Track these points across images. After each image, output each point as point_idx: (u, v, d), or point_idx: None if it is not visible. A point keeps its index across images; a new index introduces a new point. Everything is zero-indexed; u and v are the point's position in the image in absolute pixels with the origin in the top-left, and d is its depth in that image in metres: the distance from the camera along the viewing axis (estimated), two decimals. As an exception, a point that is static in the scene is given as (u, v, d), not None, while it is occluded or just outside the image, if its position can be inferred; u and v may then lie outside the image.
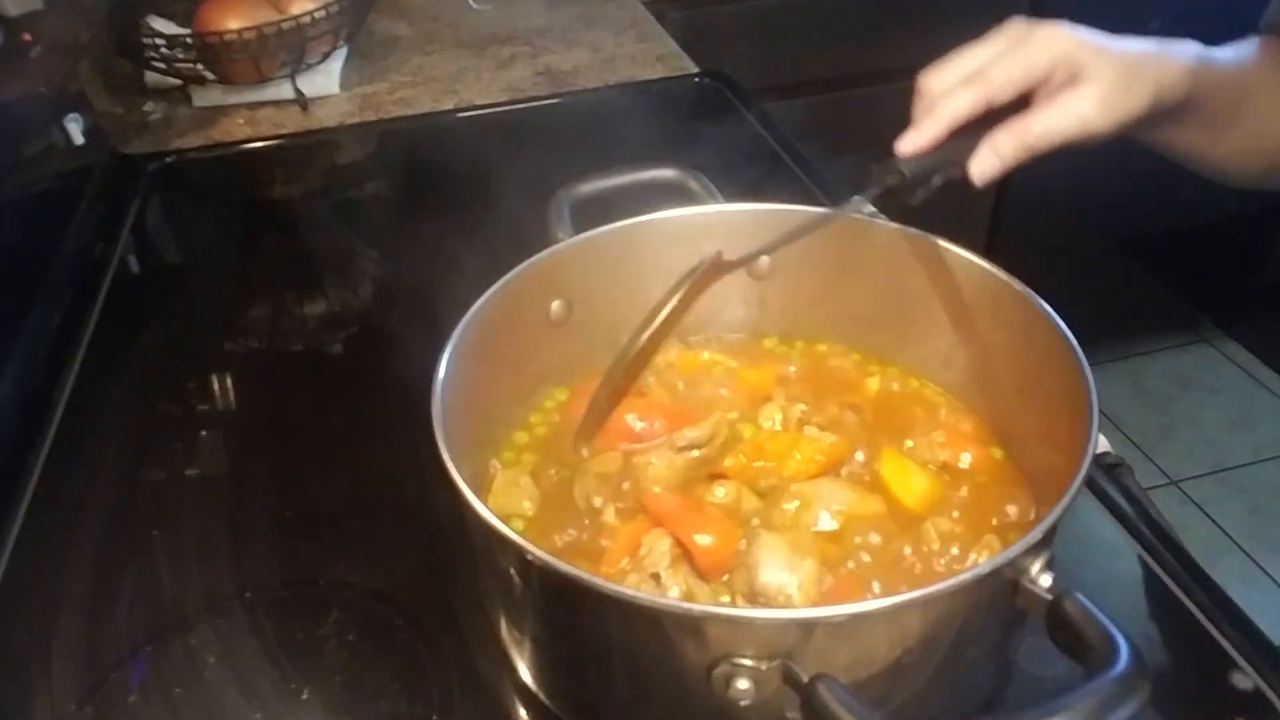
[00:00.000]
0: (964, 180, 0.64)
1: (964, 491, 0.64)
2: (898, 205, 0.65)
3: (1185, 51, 0.67)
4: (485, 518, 0.50)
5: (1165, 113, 0.66)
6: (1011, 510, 0.62)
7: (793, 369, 0.73)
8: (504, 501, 0.63)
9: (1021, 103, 0.63)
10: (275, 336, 0.96)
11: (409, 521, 0.72)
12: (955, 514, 0.62)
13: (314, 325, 0.97)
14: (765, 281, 0.74)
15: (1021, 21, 0.65)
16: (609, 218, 0.71)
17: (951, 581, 0.46)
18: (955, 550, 0.59)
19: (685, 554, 0.58)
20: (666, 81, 1.33)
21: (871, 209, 0.71)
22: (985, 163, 0.63)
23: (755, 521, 0.61)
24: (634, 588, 0.56)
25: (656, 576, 0.57)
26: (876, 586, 0.57)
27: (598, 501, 0.63)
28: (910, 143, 0.63)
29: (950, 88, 0.63)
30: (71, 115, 1.06)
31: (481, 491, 0.63)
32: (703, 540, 0.58)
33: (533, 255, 0.67)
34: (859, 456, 0.65)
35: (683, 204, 0.74)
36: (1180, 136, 0.72)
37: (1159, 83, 0.65)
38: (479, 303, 0.63)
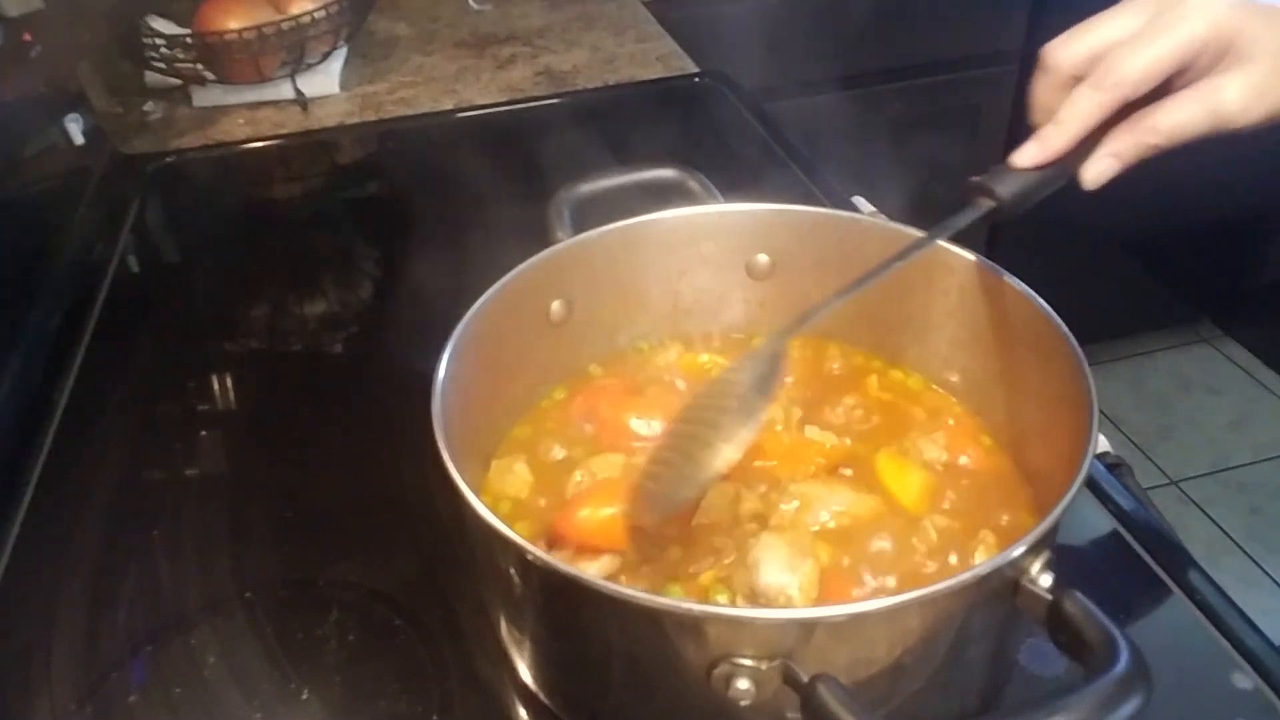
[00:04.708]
0: (1072, 183, 0.58)
1: (964, 491, 0.64)
2: (989, 227, 0.58)
3: None
4: (485, 518, 0.50)
5: None
6: (1010, 510, 0.62)
7: (793, 369, 0.73)
8: (498, 487, 0.64)
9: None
10: (275, 336, 0.96)
11: (409, 521, 0.72)
12: (955, 514, 0.62)
13: (314, 325, 0.97)
14: (765, 282, 0.74)
15: None
16: (609, 218, 0.71)
17: (951, 581, 0.46)
18: (954, 550, 0.60)
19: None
20: (666, 81, 1.33)
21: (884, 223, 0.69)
22: (1102, 167, 0.56)
23: (753, 525, 0.61)
24: (631, 587, 0.56)
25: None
26: (876, 586, 0.57)
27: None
28: (1030, 155, 0.56)
29: (1077, 72, 0.55)
30: (71, 115, 1.06)
31: (481, 489, 0.63)
32: None
33: (533, 255, 0.67)
34: (859, 457, 0.65)
35: (683, 204, 0.74)
36: None
37: None
38: (479, 303, 0.63)
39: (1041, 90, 0.58)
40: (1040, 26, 1.70)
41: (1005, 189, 0.57)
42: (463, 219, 1.04)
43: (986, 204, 0.58)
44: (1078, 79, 0.57)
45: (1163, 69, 0.54)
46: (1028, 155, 0.57)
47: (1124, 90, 0.55)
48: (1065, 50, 0.57)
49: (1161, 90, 0.56)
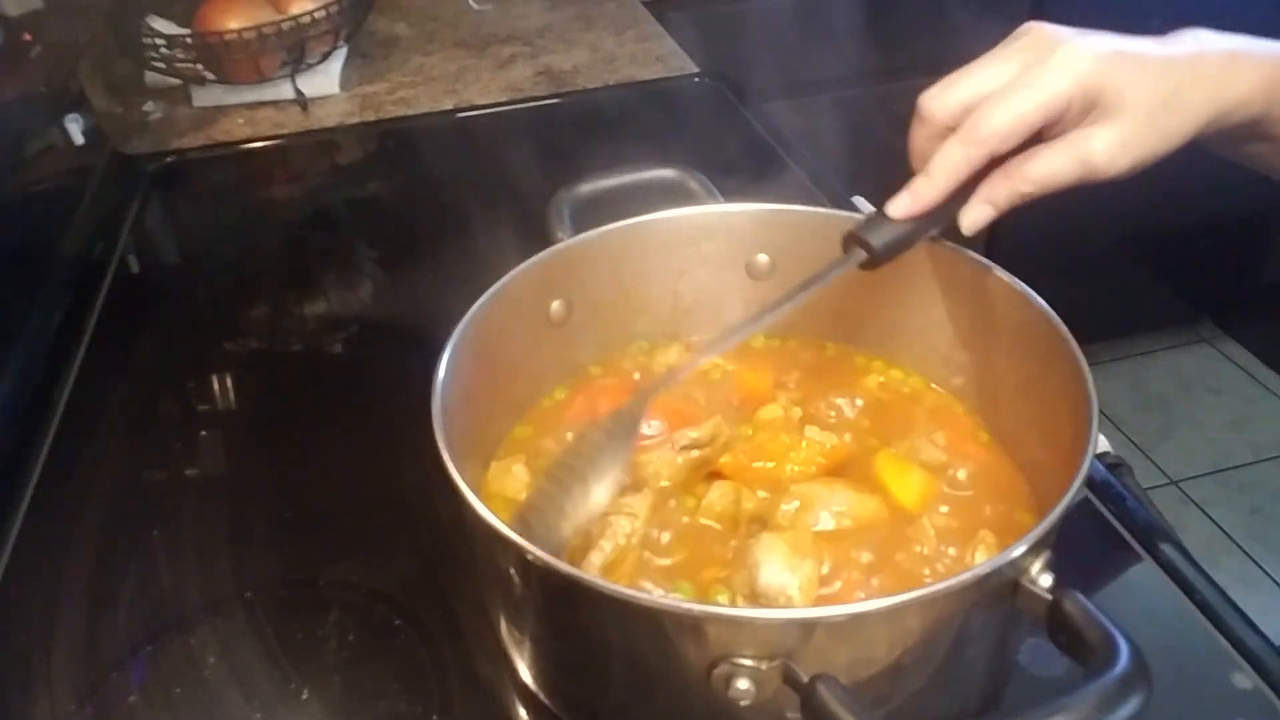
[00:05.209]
0: (951, 228, 0.60)
1: (963, 492, 0.64)
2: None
3: (1271, 54, 0.56)
4: (485, 518, 0.50)
5: (1231, 132, 0.57)
6: (1010, 510, 0.62)
7: (793, 370, 0.73)
8: (496, 488, 0.64)
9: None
10: (275, 336, 0.96)
11: (409, 521, 0.72)
12: (955, 514, 0.62)
13: (314, 325, 0.97)
14: (765, 282, 0.74)
15: (1042, 31, 0.57)
16: (609, 218, 0.71)
17: (951, 581, 0.46)
18: (954, 551, 0.59)
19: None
20: (666, 81, 1.33)
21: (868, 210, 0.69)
22: (977, 214, 0.58)
23: (754, 525, 0.61)
24: (630, 586, 0.56)
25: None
26: (876, 586, 0.57)
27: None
28: (901, 207, 0.59)
29: (951, 122, 0.57)
30: (71, 115, 1.06)
31: (480, 489, 0.63)
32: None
33: (533, 255, 0.67)
34: (859, 457, 0.65)
35: (683, 204, 0.74)
36: (1260, 153, 0.61)
37: (1217, 105, 0.55)
38: (479, 303, 0.63)
39: (918, 139, 0.59)
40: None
41: (878, 239, 0.60)
42: (462, 219, 1.04)
43: (860, 254, 0.60)
44: (951, 129, 0.58)
45: (1028, 124, 0.55)
46: (900, 207, 0.59)
47: (991, 145, 0.56)
48: (939, 101, 0.58)
49: (1035, 138, 0.57)
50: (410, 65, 1.38)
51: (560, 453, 0.63)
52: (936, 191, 0.58)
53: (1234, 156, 0.64)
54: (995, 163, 0.58)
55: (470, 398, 0.60)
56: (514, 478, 0.64)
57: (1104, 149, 0.55)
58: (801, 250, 0.72)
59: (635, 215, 0.71)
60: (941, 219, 0.60)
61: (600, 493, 0.57)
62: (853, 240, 0.61)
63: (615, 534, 0.58)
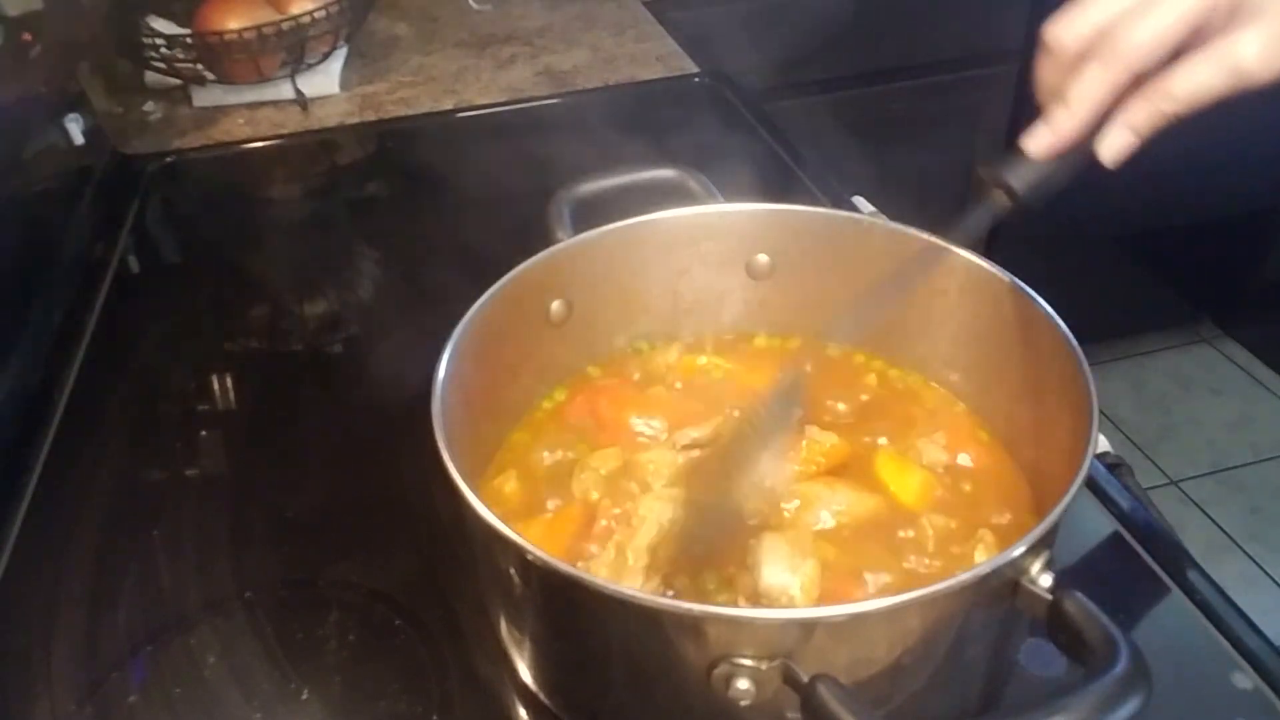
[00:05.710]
0: (1090, 161, 0.54)
1: (964, 492, 0.64)
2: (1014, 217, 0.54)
3: None
4: (485, 518, 0.50)
5: None
6: (1010, 510, 0.62)
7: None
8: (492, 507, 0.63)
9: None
10: (275, 336, 0.96)
11: (409, 521, 0.72)
12: (955, 514, 0.62)
13: (314, 325, 0.97)
14: (765, 282, 0.74)
15: None
16: (609, 218, 0.71)
17: (951, 581, 0.46)
18: (954, 550, 0.60)
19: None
20: (666, 81, 1.33)
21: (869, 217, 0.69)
22: (1117, 141, 0.53)
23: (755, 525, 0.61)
24: (630, 586, 0.56)
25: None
26: (876, 586, 0.57)
27: (595, 497, 0.63)
28: (1042, 142, 0.54)
29: (1083, 50, 0.52)
30: (71, 115, 1.06)
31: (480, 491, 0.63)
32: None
33: (533, 255, 0.67)
34: (859, 457, 0.65)
35: (683, 204, 0.74)
36: None
37: None
38: (479, 303, 0.63)
39: (1046, 73, 0.56)
40: (1039, 26, 1.69)
41: (1020, 181, 0.54)
42: (463, 219, 1.04)
43: (1001, 200, 0.55)
44: (1083, 57, 0.54)
45: (1174, 35, 0.52)
46: (1040, 143, 0.55)
47: (1134, 63, 0.52)
48: (1069, 28, 0.54)
49: (1172, 58, 0.53)
50: (410, 65, 1.38)
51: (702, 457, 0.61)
52: (1077, 121, 0.54)
53: None
54: (1131, 86, 0.54)
55: (470, 398, 0.60)
56: (507, 498, 0.64)
57: (1255, 51, 0.50)
58: (801, 250, 0.72)
59: (635, 215, 0.71)
60: (1082, 154, 0.55)
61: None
62: (991, 183, 0.55)
63: (660, 517, 0.58)
